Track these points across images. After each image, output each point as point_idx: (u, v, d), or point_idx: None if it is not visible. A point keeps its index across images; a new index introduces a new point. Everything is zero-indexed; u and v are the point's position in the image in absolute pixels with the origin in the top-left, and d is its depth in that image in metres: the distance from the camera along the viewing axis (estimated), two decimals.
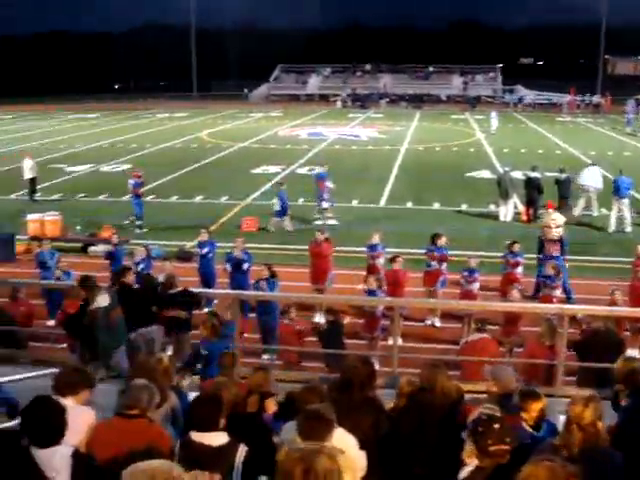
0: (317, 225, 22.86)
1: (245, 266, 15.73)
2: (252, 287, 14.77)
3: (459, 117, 67.92)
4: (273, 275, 14.49)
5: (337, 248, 18.18)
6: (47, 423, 4.62)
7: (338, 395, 6.54)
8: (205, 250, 17.00)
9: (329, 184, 24.76)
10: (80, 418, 5.44)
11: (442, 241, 16.35)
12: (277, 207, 23.35)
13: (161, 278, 13.18)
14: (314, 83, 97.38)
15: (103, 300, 10.86)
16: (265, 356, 13.93)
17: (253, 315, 14.79)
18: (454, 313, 15.46)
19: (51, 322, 15.55)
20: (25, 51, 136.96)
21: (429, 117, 67.67)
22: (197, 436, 5.23)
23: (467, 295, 15.00)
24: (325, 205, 24.51)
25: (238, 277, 15.77)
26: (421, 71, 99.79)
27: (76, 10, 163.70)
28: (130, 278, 12.24)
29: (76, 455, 4.66)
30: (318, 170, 26.95)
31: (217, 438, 5.23)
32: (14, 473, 4.02)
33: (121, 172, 35.12)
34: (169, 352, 12.30)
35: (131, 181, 25.08)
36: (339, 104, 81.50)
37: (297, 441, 5.33)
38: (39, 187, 30.04)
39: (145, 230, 23.77)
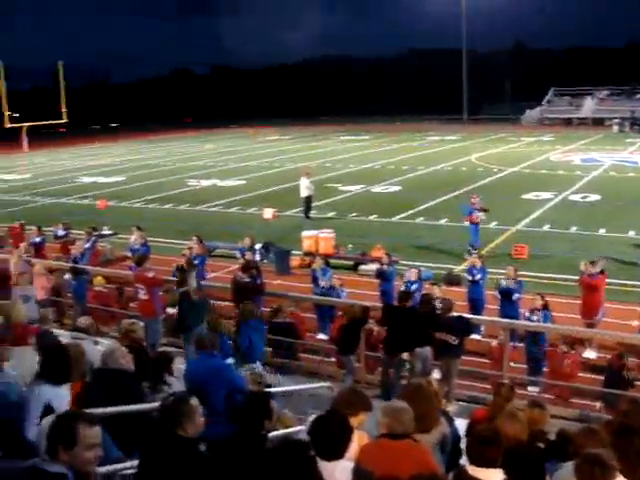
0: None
1: (515, 296, 15.41)
2: (522, 316, 14.45)
3: None
4: (545, 306, 14.06)
5: (612, 280, 17.27)
6: (335, 437, 4.76)
7: (616, 441, 6.16)
8: (478, 276, 16.83)
9: None
10: (355, 437, 5.55)
11: None
12: None
13: (438, 302, 13.25)
14: (589, 106, 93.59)
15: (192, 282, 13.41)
16: (531, 388, 13.53)
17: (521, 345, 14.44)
18: None
19: (321, 336, 16.14)
20: (299, 75, 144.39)
21: None
22: (474, 470, 5.09)
23: None
24: None
25: (507, 306, 15.48)
26: None
27: (345, 37, 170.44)
28: (409, 303, 12.53)
29: (357, 470, 4.77)
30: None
31: (494, 475, 5.07)
32: (300, 478, 4.18)
33: (392, 192, 35.91)
34: (437, 375, 12.32)
35: (468, 206, 24.07)
36: (615, 128, 77.61)
37: None
38: (314, 205, 31.35)
39: (471, 251, 22.30)
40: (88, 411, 5.98)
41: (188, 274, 13.76)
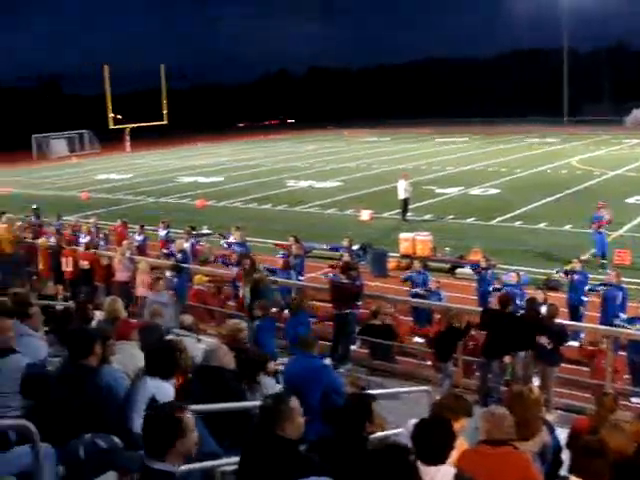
0: None
1: (618, 301, 15.01)
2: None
3: None
4: None
5: None
6: (439, 442, 4.75)
7: None
8: (576, 280, 16.47)
9: None
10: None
11: None
12: None
13: (543, 309, 13.05)
14: None
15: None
16: (635, 399, 13.14)
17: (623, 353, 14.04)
18: None
19: (417, 339, 16.07)
20: (400, 78, 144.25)
21: None
22: None
23: None
24: None
25: (608, 312, 15.10)
26: None
27: (445, 37, 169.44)
28: (510, 307, 12.41)
29: (458, 476, 4.73)
30: None
31: None
32: None
33: (491, 195, 35.44)
34: (537, 382, 12.12)
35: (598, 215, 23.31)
36: None
37: None
38: (411, 207, 31.22)
39: (604, 263, 21.97)
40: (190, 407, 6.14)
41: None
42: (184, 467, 5.41)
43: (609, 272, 16.16)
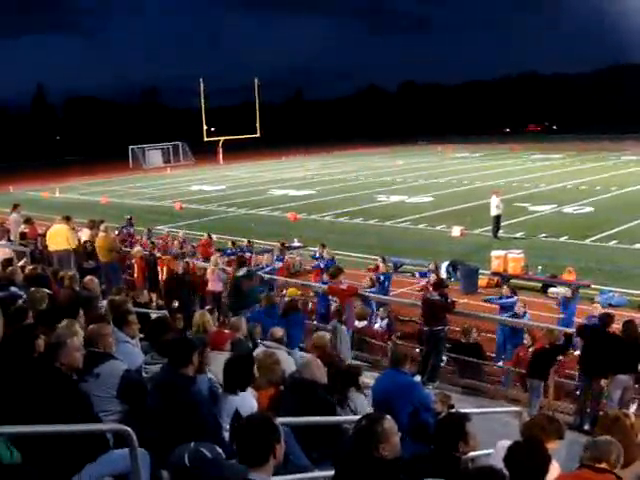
0: None
1: None
2: None
3: None
4: None
5: None
6: (534, 466, 4.66)
7: None
8: None
9: None
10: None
11: None
12: None
13: None
14: None
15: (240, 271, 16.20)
16: None
17: None
18: None
19: (500, 364, 15.81)
20: (491, 92, 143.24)
21: None
22: None
23: None
24: None
25: None
26: None
27: (539, 53, 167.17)
28: (611, 326, 12.16)
29: None
30: None
31: None
32: None
33: (584, 213, 34.79)
34: (634, 408, 11.79)
35: None
36: None
37: None
38: (503, 224, 30.85)
39: None
40: (281, 419, 6.24)
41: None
42: (277, 478, 5.51)
43: None
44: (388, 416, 5.10)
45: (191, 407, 5.98)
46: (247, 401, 6.66)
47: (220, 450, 4.39)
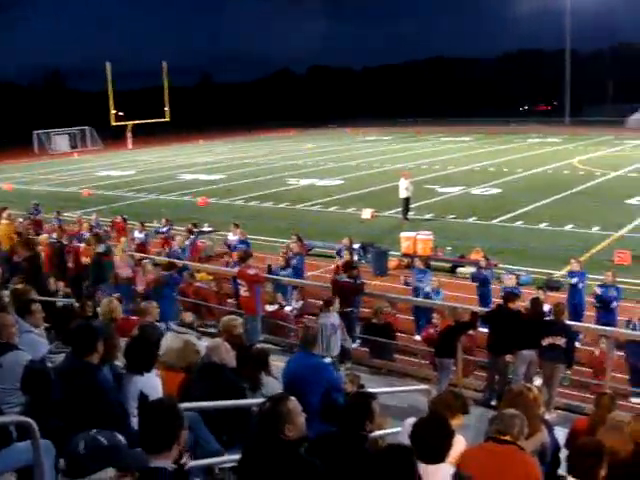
0: None
1: (613, 305, 15.08)
2: (623, 324, 14.07)
3: None
4: None
5: None
6: (438, 440, 4.77)
7: None
8: (575, 280, 16.49)
9: None
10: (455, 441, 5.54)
11: None
12: None
13: (546, 307, 13.10)
14: None
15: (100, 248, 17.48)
16: (634, 399, 13.15)
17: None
18: None
19: (417, 337, 16.07)
20: (400, 75, 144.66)
21: None
22: None
23: None
24: None
25: (604, 313, 15.20)
26: None
27: (448, 37, 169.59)
28: (516, 304, 12.40)
29: (457, 475, 4.75)
30: None
31: None
32: None
33: (492, 195, 35.56)
34: (538, 382, 12.14)
35: None
36: None
37: None
38: (413, 206, 31.24)
39: None
40: (189, 404, 6.19)
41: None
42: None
43: (607, 272, 16.09)
44: (292, 397, 5.09)
45: (96, 395, 5.87)
46: (151, 381, 6.57)
47: (121, 437, 4.30)
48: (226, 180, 45.88)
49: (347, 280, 14.29)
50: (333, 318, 11.42)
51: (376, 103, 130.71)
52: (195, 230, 23.09)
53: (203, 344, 8.40)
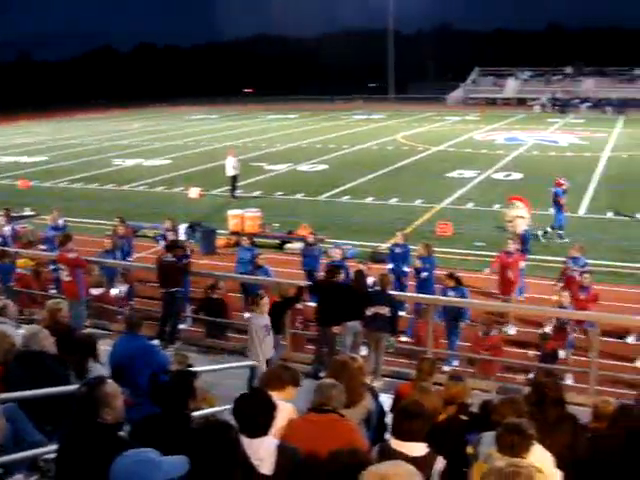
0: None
1: (423, 274, 15.76)
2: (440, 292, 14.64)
3: None
4: (459, 282, 14.23)
5: (535, 257, 17.70)
6: (258, 414, 4.79)
7: (533, 410, 6.39)
8: (398, 252, 17.02)
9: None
10: (284, 412, 5.60)
11: None
12: None
13: (371, 278, 13.47)
14: (512, 86, 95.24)
15: None
16: (455, 362, 13.78)
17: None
18: None
19: (247, 314, 16.09)
20: (228, 54, 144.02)
21: (634, 123, 63.17)
22: (397, 444, 5.15)
23: None
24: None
25: (421, 283, 15.93)
26: (626, 74, 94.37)
27: (269, 15, 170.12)
28: (340, 277, 12.63)
29: (281, 447, 4.80)
30: None
31: (418, 449, 5.13)
32: (223, 458, 4.18)
33: (319, 171, 36.11)
34: (365, 351, 12.47)
35: (554, 189, 23.42)
36: (537, 108, 79.08)
37: (494, 454, 5.24)
38: (240, 184, 31.23)
39: (566, 241, 21.67)
40: (6, 395, 5.94)
41: None
42: (5, 458, 5.25)
43: (419, 244, 16.65)
44: (109, 380, 5.00)
45: None
46: None
47: None
48: (49, 162, 44.12)
49: (171, 260, 14.11)
50: (264, 319, 11.25)
51: (202, 81, 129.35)
52: (13, 215, 22.03)
53: (19, 332, 8.08)
